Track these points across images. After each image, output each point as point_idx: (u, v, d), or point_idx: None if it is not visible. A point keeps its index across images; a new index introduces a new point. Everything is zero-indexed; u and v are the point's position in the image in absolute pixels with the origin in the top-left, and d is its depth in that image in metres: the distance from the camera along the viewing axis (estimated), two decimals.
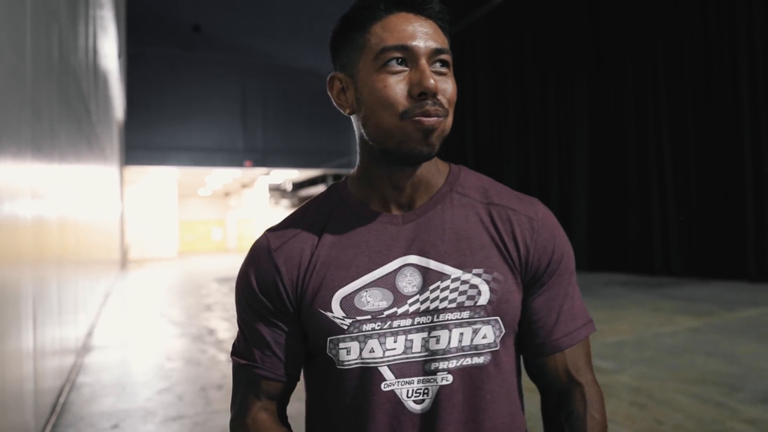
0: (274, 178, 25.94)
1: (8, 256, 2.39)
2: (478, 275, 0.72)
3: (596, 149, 12.18)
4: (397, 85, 0.69)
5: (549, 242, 0.77)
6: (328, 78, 0.77)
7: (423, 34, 0.70)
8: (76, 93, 5.53)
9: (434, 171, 0.78)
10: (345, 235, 0.76)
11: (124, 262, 18.49)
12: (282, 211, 28.48)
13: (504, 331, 0.74)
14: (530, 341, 0.78)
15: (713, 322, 5.88)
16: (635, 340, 5.16)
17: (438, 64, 0.71)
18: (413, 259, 0.73)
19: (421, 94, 0.68)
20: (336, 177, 23.40)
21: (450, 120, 0.72)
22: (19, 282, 2.63)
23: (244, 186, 30.27)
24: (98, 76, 8.76)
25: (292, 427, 0.81)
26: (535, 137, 13.84)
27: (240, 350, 0.79)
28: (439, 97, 0.69)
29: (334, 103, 0.77)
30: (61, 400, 3.88)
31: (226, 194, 35.00)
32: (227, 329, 6.62)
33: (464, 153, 16.56)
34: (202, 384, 4.27)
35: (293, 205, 28.67)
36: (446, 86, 0.71)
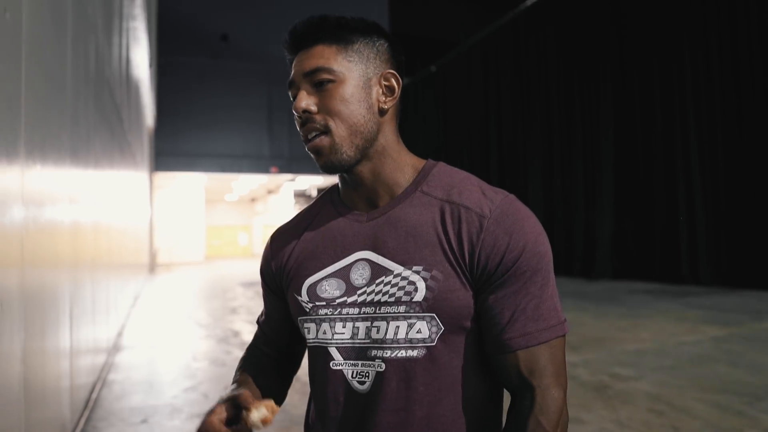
0: (300, 184, 26.21)
1: (49, 259, 2.54)
2: (417, 272, 0.76)
3: (622, 155, 12.05)
4: (294, 116, 0.81)
5: (501, 240, 0.74)
6: None
7: (300, 65, 0.80)
8: (110, 102, 5.76)
9: (392, 170, 0.83)
10: (322, 230, 0.88)
11: (152, 266, 18.90)
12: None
13: (443, 328, 0.76)
14: (486, 338, 0.78)
15: (739, 332, 5.79)
16: (657, 348, 5.12)
17: (317, 84, 0.78)
18: (367, 254, 0.81)
19: (299, 117, 0.80)
20: None
21: (342, 129, 0.78)
22: (58, 284, 2.78)
23: (269, 192, 30.66)
24: (130, 86, 9.06)
25: None
26: (559, 143, 13.76)
27: (259, 315, 1.04)
28: (316, 115, 0.78)
29: None
30: (94, 395, 4.05)
31: (253, 200, 35.48)
32: (251, 332, 6.76)
33: (488, 159, 16.55)
34: (226, 383, 4.40)
35: None
36: (324, 101, 0.78)
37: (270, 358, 1.00)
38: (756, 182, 9.42)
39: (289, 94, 0.82)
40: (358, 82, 0.79)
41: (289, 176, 23.51)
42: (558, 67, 13.75)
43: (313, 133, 0.79)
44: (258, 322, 1.03)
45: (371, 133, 0.80)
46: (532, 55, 14.69)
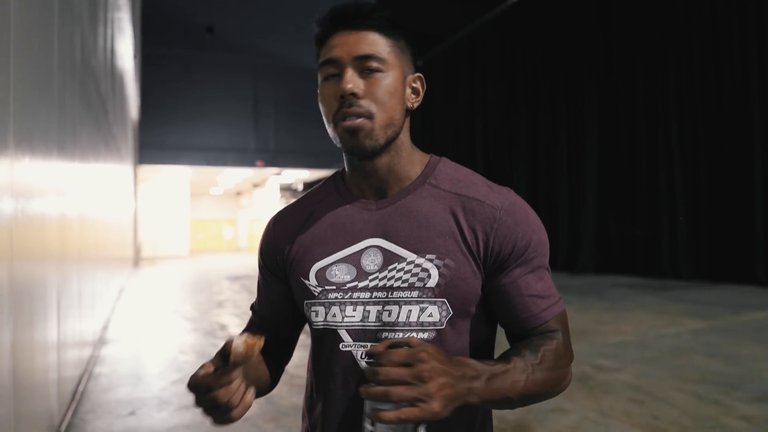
0: (285, 177, 26.15)
1: (37, 252, 2.54)
2: (431, 260, 0.81)
3: (606, 152, 12.21)
4: (329, 94, 0.82)
5: (512, 229, 0.82)
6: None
7: (350, 45, 0.81)
8: (96, 94, 5.71)
9: (405, 163, 0.87)
10: (328, 216, 0.90)
11: (137, 260, 18.75)
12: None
13: (452, 313, 0.81)
14: (504, 320, 0.85)
15: (718, 324, 5.93)
16: (638, 340, 5.24)
17: (366, 70, 0.80)
18: (378, 241, 0.85)
19: (342, 97, 0.79)
20: None
21: (382, 118, 0.81)
22: (46, 276, 2.78)
23: (255, 185, 30.51)
24: (115, 77, 8.97)
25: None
26: (545, 139, 13.89)
27: (253, 302, 1.03)
28: (362, 99, 0.80)
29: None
30: (80, 388, 4.04)
31: (238, 194, 35.28)
32: (238, 325, 6.77)
33: (474, 153, 16.64)
34: None
35: None
36: (373, 87, 0.80)
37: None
38: (735, 180, 9.63)
39: (324, 70, 0.83)
40: (400, 78, 0.83)
41: (274, 170, 23.43)
42: (544, 63, 13.86)
43: (356, 119, 0.80)
44: (252, 308, 1.02)
45: (399, 128, 0.84)
46: (518, 51, 14.78)
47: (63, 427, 3.19)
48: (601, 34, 12.26)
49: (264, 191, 28.51)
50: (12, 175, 2.00)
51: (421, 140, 18.26)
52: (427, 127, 19.33)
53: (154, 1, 18.61)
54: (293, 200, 0.99)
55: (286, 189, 29.10)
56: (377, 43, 0.81)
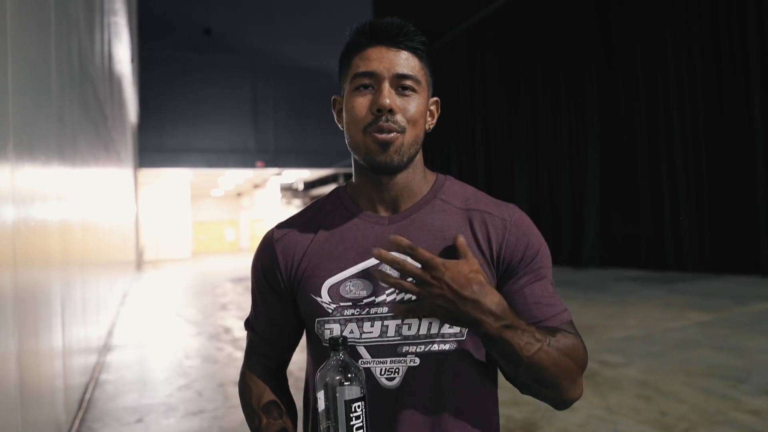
0: (286, 178, 26.14)
1: (40, 258, 2.53)
2: None
3: (607, 145, 12.18)
4: (362, 105, 0.83)
5: (521, 240, 0.86)
6: (331, 100, 0.93)
7: (389, 62, 0.83)
8: (94, 99, 5.70)
9: (419, 179, 0.90)
10: (338, 231, 0.89)
11: (139, 263, 18.76)
12: (293, 210, 28.65)
13: None
14: None
15: (723, 316, 5.91)
16: (644, 334, 5.22)
17: (401, 88, 0.83)
18: (394, 256, 0.84)
19: (378, 110, 0.81)
20: (347, 176, 23.49)
21: (411, 135, 0.83)
22: (49, 283, 2.77)
23: (256, 186, 30.50)
24: (113, 81, 8.95)
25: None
26: (546, 135, 13.85)
27: (249, 318, 0.99)
28: (397, 115, 0.82)
29: (336, 121, 0.92)
30: (87, 396, 4.03)
31: (239, 195, 35.28)
32: (242, 328, 6.72)
33: (474, 149, 16.61)
34: (220, 380, 4.41)
35: (304, 205, 28.83)
36: (407, 106, 0.83)
37: (272, 373, 0.98)
38: (737, 170, 9.60)
39: (359, 80, 0.83)
40: (426, 101, 0.87)
41: (275, 170, 23.41)
42: (544, 58, 13.82)
43: (392, 134, 0.82)
44: (251, 327, 0.98)
45: (419, 147, 0.87)
46: (518, 46, 14.73)
47: None
48: (600, 28, 12.22)
49: (265, 192, 28.51)
50: (13, 183, 1.99)
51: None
52: None
53: (151, 4, 18.58)
54: (292, 217, 0.96)
55: (287, 189, 29.09)
56: (414, 65, 0.84)
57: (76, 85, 4.21)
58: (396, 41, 0.83)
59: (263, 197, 29.02)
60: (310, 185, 27.88)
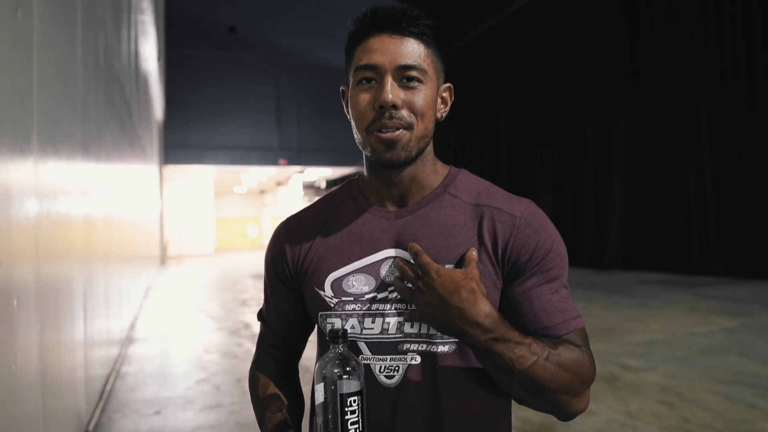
0: (309, 176, 26.25)
1: (63, 252, 2.58)
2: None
3: (633, 145, 11.93)
4: (365, 100, 0.79)
5: (531, 238, 0.79)
6: (340, 90, 0.90)
7: (392, 53, 0.77)
8: (120, 96, 5.79)
9: (429, 172, 0.86)
10: (345, 225, 0.87)
11: (163, 259, 19.06)
12: None
13: None
14: (522, 329, 0.79)
15: (751, 322, 5.75)
16: (668, 339, 5.11)
17: (406, 80, 0.78)
18: (399, 252, 0.82)
19: (381, 107, 0.77)
20: None
21: (419, 129, 0.79)
22: (72, 276, 2.82)
23: (279, 184, 30.72)
24: (139, 79, 9.10)
25: None
26: (569, 134, 13.65)
27: (261, 310, 1.00)
28: (402, 110, 0.77)
29: (345, 112, 0.89)
30: (108, 387, 4.10)
31: (262, 192, 35.59)
32: None
33: (497, 149, 16.47)
34: (238, 375, 4.45)
35: None
36: (413, 98, 0.78)
37: (281, 365, 0.98)
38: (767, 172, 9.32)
39: (361, 73, 0.80)
40: (435, 89, 0.82)
41: (298, 168, 23.55)
42: (568, 56, 13.62)
43: (397, 131, 0.78)
44: (262, 318, 0.99)
45: (429, 136, 0.83)
46: (541, 44, 14.55)
47: (91, 426, 3.24)
48: (626, 22, 11.96)
49: (287, 189, 28.70)
50: (36, 177, 2.02)
51: (443, 136, 18.13)
52: (450, 119, 19.19)
53: (177, 3, 18.85)
54: (304, 207, 0.96)
55: (309, 187, 29.23)
56: (419, 53, 0.79)
57: (101, 81, 4.28)
58: (399, 28, 0.78)
59: (286, 195, 29.21)
60: (332, 183, 27.96)
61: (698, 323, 5.79)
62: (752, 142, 9.59)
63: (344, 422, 0.71)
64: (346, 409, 0.71)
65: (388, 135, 0.78)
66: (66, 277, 2.66)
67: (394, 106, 0.77)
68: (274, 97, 22.06)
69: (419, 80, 0.79)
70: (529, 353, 0.71)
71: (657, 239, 11.37)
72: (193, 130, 20.97)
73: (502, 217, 0.81)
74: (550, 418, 3.15)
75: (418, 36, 0.79)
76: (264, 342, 0.99)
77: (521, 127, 15.42)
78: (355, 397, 0.72)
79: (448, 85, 0.87)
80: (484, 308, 0.70)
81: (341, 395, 0.71)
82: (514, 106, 15.73)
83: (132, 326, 6.69)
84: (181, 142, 20.73)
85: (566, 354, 0.74)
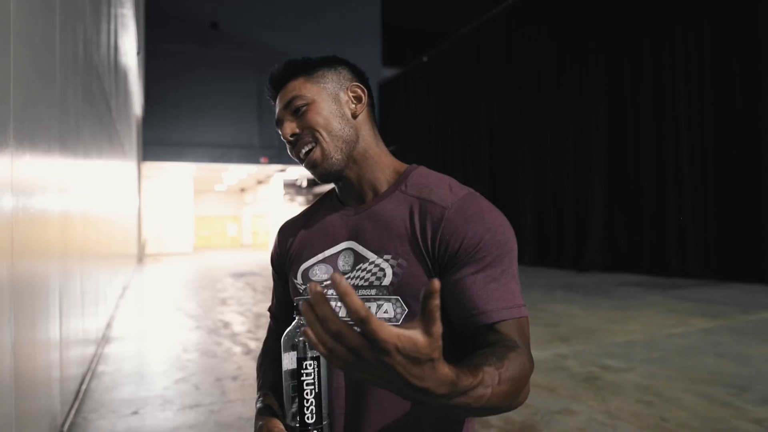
0: (290, 174, 26.09)
1: (39, 249, 2.51)
2: (387, 260, 0.87)
3: (613, 148, 12.08)
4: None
5: (460, 227, 0.82)
6: None
7: (281, 102, 0.94)
8: (99, 90, 5.68)
9: (375, 170, 0.95)
10: (319, 222, 1.01)
11: (140, 257, 18.76)
12: (296, 207, 28.68)
13: (407, 310, 0.85)
14: (452, 318, 0.82)
15: (727, 323, 5.87)
16: (646, 340, 5.18)
17: (295, 111, 0.92)
18: (351, 244, 0.93)
19: (288, 142, 0.94)
20: None
21: (328, 138, 0.91)
22: (48, 274, 2.75)
23: (259, 182, 30.48)
24: (118, 73, 8.94)
25: None
26: (551, 136, 13.79)
27: (270, 305, 1.16)
28: (302, 133, 0.92)
29: None
30: (83, 387, 4.01)
31: (242, 190, 35.28)
32: (242, 323, 6.75)
33: (479, 150, 16.56)
34: (217, 375, 4.39)
35: (308, 202, 28.94)
36: (305, 119, 0.91)
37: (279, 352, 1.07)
38: (745, 176, 9.51)
39: (279, 131, 0.95)
40: (328, 98, 0.93)
41: (279, 167, 23.39)
42: (550, 58, 13.75)
43: (306, 148, 0.92)
44: (269, 308, 1.14)
45: (350, 137, 0.93)
46: (524, 46, 14.68)
47: (66, 427, 3.17)
48: (607, 24, 12.11)
49: (268, 188, 28.49)
50: (12, 172, 1.96)
51: (426, 137, 18.20)
52: (433, 120, 19.27)
53: None
54: (301, 211, 1.11)
55: (291, 186, 29.07)
56: (297, 87, 0.93)
57: (80, 75, 4.18)
58: (282, 83, 0.94)
59: (266, 193, 29.00)
60: (313, 182, 27.83)
61: (676, 324, 5.88)
62: (729, 149, 9.78)
63: (301, 383, 0.79)
64: (302, 371, 0.79)
65: (306, 160, 0.93)
66: (42, 274, 2.59)
67: (293, 135, 0.92)
68: (255, 94, 21.87)
69: (304, 104, 0.92)
70: (483, 389, 0.66)
71: (636, 242, 11.54)
72: (172, 126, 20.69)
73: (434, 209, 0.86)
74: (532, 418, 3.17)
75: (292, 77, 0.94)
76: (270, 330, 1.14)
77: (504, 130, 15.54)
78: (310, 362, 0.79)
79: (354, 84, 0.95)
80: (444, 378, 0.59)
81: (299, 359, 0.79)
82: (497, 108, 15.84)
83: (109, 325, 6.57)
84: (160, 139, 20.44)
85: (511, 364, 0.71)
